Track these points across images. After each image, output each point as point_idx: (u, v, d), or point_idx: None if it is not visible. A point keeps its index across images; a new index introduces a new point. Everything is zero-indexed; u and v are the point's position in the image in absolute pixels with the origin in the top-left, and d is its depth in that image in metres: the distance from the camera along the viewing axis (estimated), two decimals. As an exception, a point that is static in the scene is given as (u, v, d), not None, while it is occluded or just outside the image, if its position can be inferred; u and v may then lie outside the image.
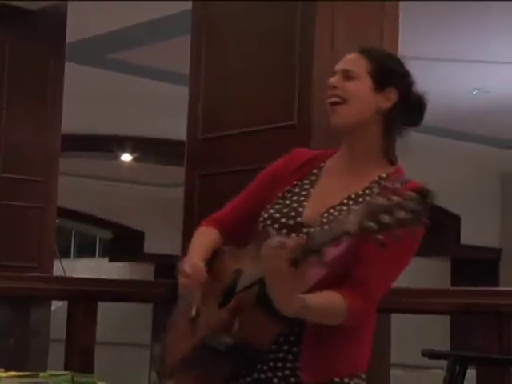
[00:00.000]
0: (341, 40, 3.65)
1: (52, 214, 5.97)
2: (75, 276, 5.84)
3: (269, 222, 2.15)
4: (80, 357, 4.04)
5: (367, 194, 2.11)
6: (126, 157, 11.35)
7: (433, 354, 3.24)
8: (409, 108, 2.20)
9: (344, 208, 2.09)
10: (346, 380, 2.12)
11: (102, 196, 14.59)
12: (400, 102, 2.18)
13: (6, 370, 3.13)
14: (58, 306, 5.44)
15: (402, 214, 1.70)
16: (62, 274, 7.86)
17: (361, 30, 3.74)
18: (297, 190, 2.21)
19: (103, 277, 5.55)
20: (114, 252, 16.00)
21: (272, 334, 2.03)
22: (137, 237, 14.72)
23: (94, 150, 10.73)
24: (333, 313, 2.00)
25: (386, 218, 1.70)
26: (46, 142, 5.94)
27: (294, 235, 2.07)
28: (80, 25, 6.39)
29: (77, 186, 12.52)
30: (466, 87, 8.55)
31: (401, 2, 3.88)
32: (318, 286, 2.00)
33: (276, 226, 2.14)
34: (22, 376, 2.97)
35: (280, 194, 2.21)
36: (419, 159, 11.24)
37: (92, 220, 16.08)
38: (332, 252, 1.89)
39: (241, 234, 2.29)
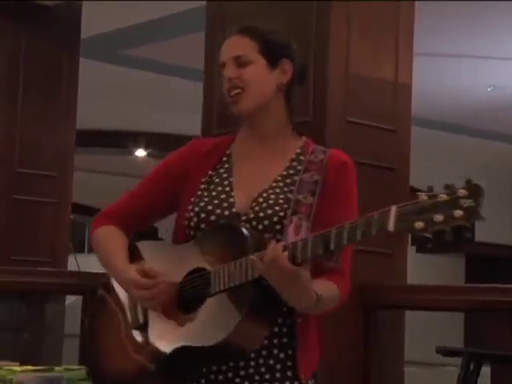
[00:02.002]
0: (356, 37, 3.64)
1: (67, 209, 5.98)
2: (89, 271, 5.85)
3: (203, 215, 2.08)
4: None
5: (292, 174, 2.10)
6: (140, 152, 11.37)
7: (447, 351, 3.24)
8: (301, 72, 2.21)
9: (277, 190, 2.07)
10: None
11: (116, 191, 14.59)
12: (295, 71, 2.17)
13: (21, 365, 3.14)
14: (72, 301, 5.45)
15: (458, 213, 1.65)
16: (76, 269, 7.89)
17: (376, 28, 3.73)
18: (216, 180, 2.15)
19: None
20: (128, 247, 16.03)
21: (262, 336, 1.97)
22: (150, 232, 14.75)
23: (107, 145, 10.75)
24: (333, 300, 2.01)
25: (438, 217, 1.66)
26: (61, 138, 5.95)
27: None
28: (93, 21, 6.39)
29: (91, 181, 12.55)
30: (481, 84, 8.51)
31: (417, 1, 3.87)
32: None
33: (212, 217, 2.07)
34: (37, 370, 2.98)
35: (201, 186, 2.14)
36: (433, 156, 11.25)
37: (106, 215, 16.12)
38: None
39: (136, 226, 2.23)
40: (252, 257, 1.88)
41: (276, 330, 2.02)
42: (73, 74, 6.03)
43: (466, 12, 6.61)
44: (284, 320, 2.03)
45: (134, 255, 2.15)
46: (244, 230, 1.96)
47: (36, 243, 5.74)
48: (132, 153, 11.38)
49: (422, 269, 10.78)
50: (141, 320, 2.06)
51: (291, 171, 2.11)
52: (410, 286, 3.77)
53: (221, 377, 2.01)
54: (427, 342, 5.65)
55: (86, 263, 10.69)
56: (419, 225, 1.67)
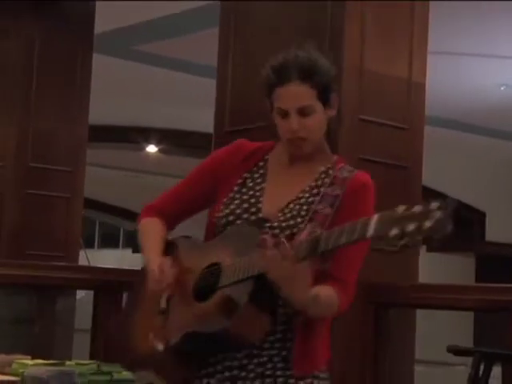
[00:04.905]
0: (370, 36, 3.64)
1: (78, 203, 5.99)
2: (99, 266, 5.87)
3: (231, 217, 2.22)
4: (105, 346, 4.06)
5: (320, 186, 2.23)
6: (152, 148, 11.38)
7: (458, 351, 3.23)
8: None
9: (302, 201, 2.20)
10: (322, 375, 2.21)
11: (126, 187, 14.65)
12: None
13: (33, 358, 3.16)
14: (82, 296, 5.47)
15: (427, 224, 1.79)
16: (86, 263, 7.91)
17: (390, 27, 3.73)
18: (250, 184, 2.28)
19: (127, 268, 5.56)
20: (138, 243, 16.03)
21: (264, 329, 2.11)
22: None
23: (119, 140, 10.76)
24: (332, 304, 2.12)
25: (411, 227, 1.81)
26: (74, 133, 5.97)
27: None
28: (106, 16, 6.41)
29: (102, 176, 12.58)
30: (494, 83, 8.49)
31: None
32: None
33: (238, 221, 2.21)
34: (48, 364, 3.00)
35: (235, 188, 2.27)
36: (445, 155, 11.22)
37: (116, 211, 16.16)
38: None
39: (177, 221, 2.38)
40: (255, 254, 2.04)
41: (292, 326, 2.16)
42: (86, 70, 6.04)
43: (479, 11, 6.59)
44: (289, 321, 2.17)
45: (171, 249, 2.31)
46: (257, 232, 2.12)
47: (49, 238, 5.75)
48: (143, 148, 11.40)
49: (432, 268, 10.76)
50: (163, 305, 2.21)
51: (319, 183, 2.24)
52: (421, 285, 3.76)
53: (236, 362, 2.16)
54: (436, 340, 5.65)
55: (95, 258, 10.75)
56: (394, 232, 1.84)
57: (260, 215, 2.21)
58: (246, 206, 2.23)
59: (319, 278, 2.09)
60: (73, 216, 5.92)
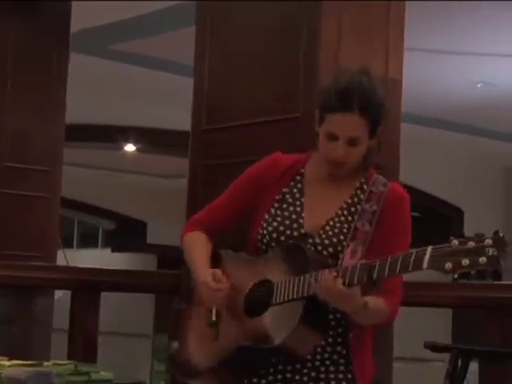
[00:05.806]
0: (346, 33, 3.64)
1: (56, 203, 5.96)
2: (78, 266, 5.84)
3: (274, 235, 2.32)
4: (83, 346, 4.05)
5: (356, 203, 2.33)
6: (130, 147, 11.34)
7: (435, 347, 3.25)
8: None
9: (342, 219, 2.31)
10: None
11: (105, 186, 14.59)
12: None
13: (10, 359, 3.14)
14: (60, 296, 5.45)
15: (482, 260, 1.93)
16: (64, 263, 7.86)
17: (366, 24, 3.74)
18: (290, 200, 2.37)
19: (106, 267, 5.55)
20: (117, 242, 15.99)
21: (314, 345, 2.24)
22: (139, 227, 14.73)
23: (97, 140, 10.71)
24: (379, 313, 2.25)
25: (465, 261, 1.95)
26: (51, 132, 5.93)
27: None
28: (82, 15, 6.38)
29: (80, 175, 12.53)
30: (471, 80, 8.53)
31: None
32: None
33: (282, 238, 2.32)
34: (26, 365, 2.98)
35: (275, 204, 2.36)
36: (422, 152, 11.27)
37: (95, 210, 16.08)
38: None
39: (221, 233, 2.48)
40: (311, 280, 2.16)
41: (340, 330, 2.30)
42: (62, 69, 6.01)
43: (456, 9, 6.62)
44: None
45: (216, 261, 2.41)
46: (308, 253, 2.24)
47: (27, 238, 5.72)
48: (121, 147, 11.36)
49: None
50: (213, 318, 2.32)
51: (355, 199, 2.35)
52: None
53: (289, 367, 2.27)
54: (414, 337, 5.67)
55: (74, 258, 10.69)
56: (448, 265, 1.97)
57: (302, 231, 2.31)
58: (287, 222, 2.33)
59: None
60: (51, 216, 5.89)
